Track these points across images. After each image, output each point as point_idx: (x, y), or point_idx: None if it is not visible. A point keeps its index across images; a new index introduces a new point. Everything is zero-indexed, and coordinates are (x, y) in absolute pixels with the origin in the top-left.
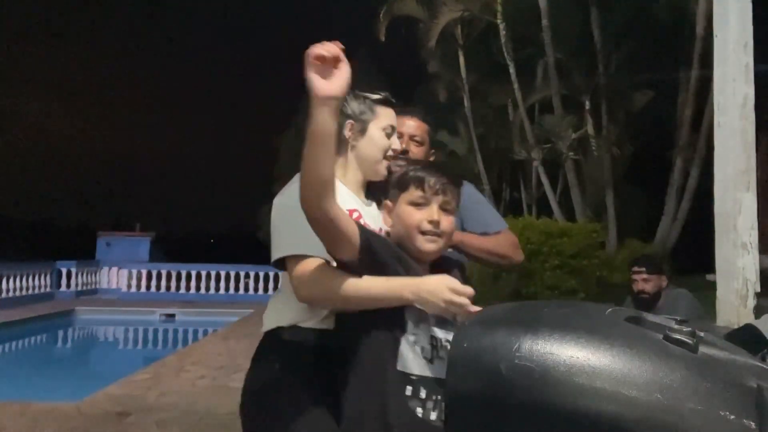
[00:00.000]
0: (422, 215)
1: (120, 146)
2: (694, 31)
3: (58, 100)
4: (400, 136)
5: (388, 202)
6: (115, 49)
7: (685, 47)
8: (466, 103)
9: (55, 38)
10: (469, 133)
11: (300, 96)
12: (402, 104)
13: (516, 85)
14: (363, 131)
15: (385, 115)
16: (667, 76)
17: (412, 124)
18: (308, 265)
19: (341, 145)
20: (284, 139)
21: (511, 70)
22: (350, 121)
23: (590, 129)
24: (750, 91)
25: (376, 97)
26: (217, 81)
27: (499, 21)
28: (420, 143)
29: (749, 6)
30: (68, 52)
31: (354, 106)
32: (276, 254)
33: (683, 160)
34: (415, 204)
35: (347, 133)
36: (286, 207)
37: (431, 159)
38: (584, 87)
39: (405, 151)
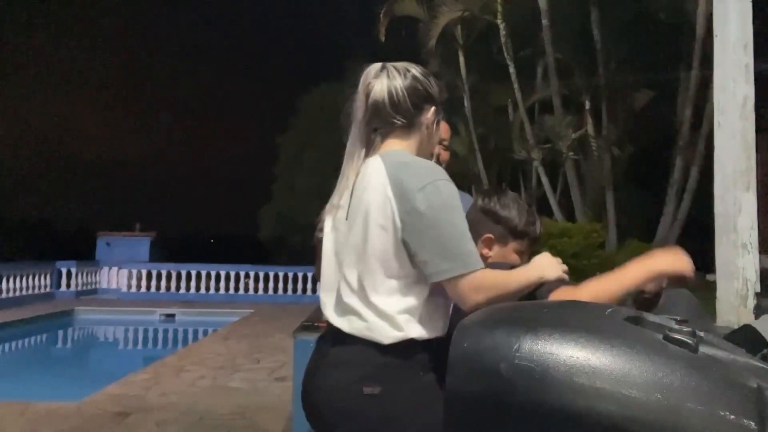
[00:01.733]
0: None
1: (120, 146)
2: (694, 31)
3: (58, 99)
4: (442, 143)
5: (491, 236)
6: (116, 48)
7: (685, 47)
8: (466, 103)
9: (56, 37)
10: (469, 133)
11: (299, 96)
12: None
13: (516, 85)
14: (438, 123)
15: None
16: (667, 76)
17: (445, 128)
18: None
19: (417, 128)
20: (284, 139)
21: (511, 70)
22: (434, 107)
23: (590, 129)
24: (750, 91)
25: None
26: (217, 80)
27: (499, 21)
28: (447, 147)
29: (749, 6)
30: (69, 51)
31: (439, 94)
32: (458, 268)
33: (683, 160)
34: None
35: (430, 118)
36: (452, 209)
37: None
38: (584, 87)
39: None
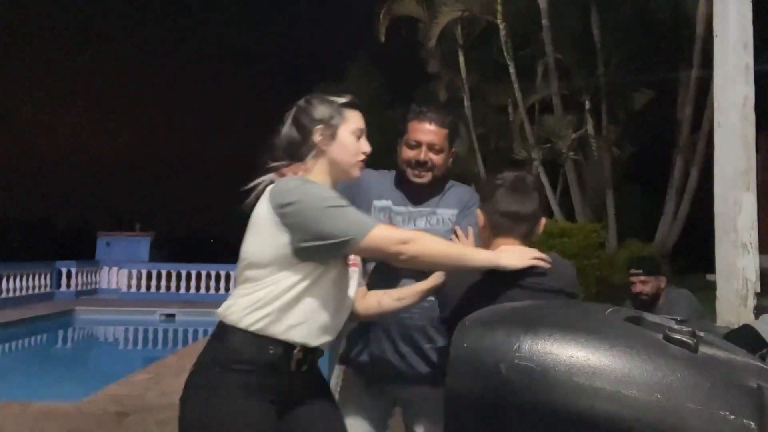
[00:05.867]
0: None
1: (120, 146)
2: (694, 31)
3: (58, 99)
4: (419, 145)
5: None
6: (115, 49)
7: (685, 47)
8: (466, 103)
9: (55, 37)
10: (469, 133)
11: (299, 96)
12: (420, 107)
13: (516, 85)
14: (333, 135)
15: (354, 118)
16: (667, 76)
17: (430, 131)
18: (390, 232)
19: (311, 149)
20: None
21: (511, 70)
22: (320, 126)
23: (590, 129)
24: (750, 91)
25: (343, 100)
26: (217, 80)
27: (499, 21)
28: (439, 151)
29: (749, 6)
30: (69, 51)
31: (323, 111)
32: (355, 232)
33: (683, 160)
34: None
35: (317, 137)
36: (322, 198)
37: (450, 161)
38: (584, 87)
39: (424, 162)
